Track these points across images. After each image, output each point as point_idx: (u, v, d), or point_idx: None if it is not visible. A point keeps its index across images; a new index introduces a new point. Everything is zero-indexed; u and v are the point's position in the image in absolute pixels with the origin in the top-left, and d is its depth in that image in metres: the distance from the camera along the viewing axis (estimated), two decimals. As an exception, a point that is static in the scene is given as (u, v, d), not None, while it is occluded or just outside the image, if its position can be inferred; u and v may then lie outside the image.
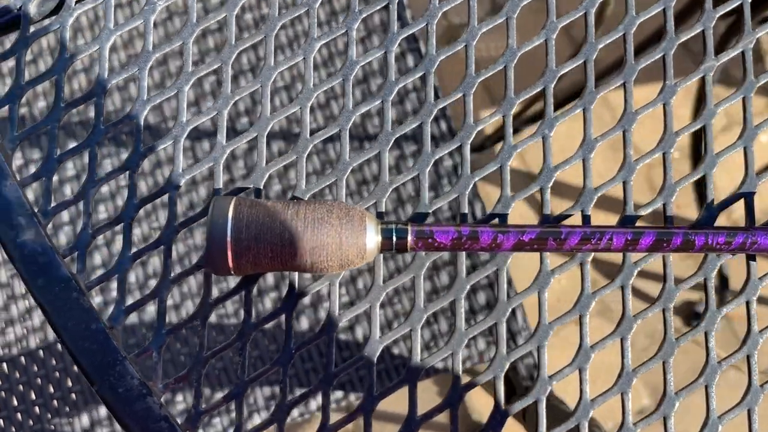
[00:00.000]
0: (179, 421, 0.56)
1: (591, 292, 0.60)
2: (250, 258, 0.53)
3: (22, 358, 0.98)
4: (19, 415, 0.96)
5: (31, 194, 0.92)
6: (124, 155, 0.94)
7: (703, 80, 0.63)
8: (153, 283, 0.93)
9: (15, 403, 0.96)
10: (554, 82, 0.62)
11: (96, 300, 0.88)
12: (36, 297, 0.57)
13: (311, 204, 0.54)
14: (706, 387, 0.60)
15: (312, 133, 0.60)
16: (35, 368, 0.98)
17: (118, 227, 0.58)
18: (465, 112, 0.61)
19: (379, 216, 0.59)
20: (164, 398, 0.57)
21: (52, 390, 0.97)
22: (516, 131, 1.19)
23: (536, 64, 0.64)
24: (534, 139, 0.62)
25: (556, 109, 0.62)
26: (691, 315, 1.52)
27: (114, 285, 0.87)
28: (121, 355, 0.56)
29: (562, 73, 0.63)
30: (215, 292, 0.59)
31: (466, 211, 0.60)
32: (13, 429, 0.97)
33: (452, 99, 0.62)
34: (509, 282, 0.88)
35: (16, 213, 0.57)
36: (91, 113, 0.59)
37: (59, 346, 0.99)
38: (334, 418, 0.57)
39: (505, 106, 0.62)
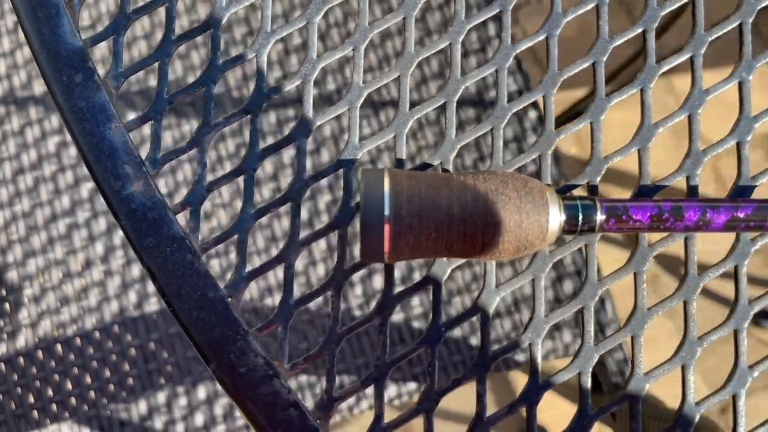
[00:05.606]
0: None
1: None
2: (410, 240, 0.44)
3: (78, 340, 0.93)
4: (73, 400, 0.92)
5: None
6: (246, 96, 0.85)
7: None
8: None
9: (69, 387, 0.92)
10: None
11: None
12: (143, 259, 0.48)
13: (480, 174, 0.45)
14: None
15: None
16: (91, 351, 0.92)
17: (239, 180, 0.50)
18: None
19: None
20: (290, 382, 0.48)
21: (108, 374, 0.92)
22: (579, 114, 1.09)
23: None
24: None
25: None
26: None
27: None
28: (243, 328, 0.48)
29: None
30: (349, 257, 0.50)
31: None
32: (67, 414, 0.92)
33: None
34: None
35: (122, 161, 0.49)
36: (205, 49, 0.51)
37: (116, 327, 0.93)
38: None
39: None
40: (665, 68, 0.51)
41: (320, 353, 0.49)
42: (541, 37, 0.52)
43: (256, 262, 0.85)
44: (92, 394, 0.91)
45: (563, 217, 0.46)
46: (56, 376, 0.91)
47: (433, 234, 0.44)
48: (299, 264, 0.86)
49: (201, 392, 0.91)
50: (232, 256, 0.87)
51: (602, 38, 0.52)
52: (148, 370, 0.92)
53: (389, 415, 0.48)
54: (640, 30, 0.52)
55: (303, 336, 0.87)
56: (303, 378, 0.88)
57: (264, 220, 0.85)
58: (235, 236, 0.49)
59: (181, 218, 0.49)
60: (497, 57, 0.52)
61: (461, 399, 0.53)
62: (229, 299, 0.48)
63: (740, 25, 0.52)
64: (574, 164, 1.36)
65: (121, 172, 0.49)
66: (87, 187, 0.94)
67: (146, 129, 0.50)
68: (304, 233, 0.49)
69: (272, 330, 0.49)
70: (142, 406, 0.91)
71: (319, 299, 0.49)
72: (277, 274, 0.86)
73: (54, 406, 0.91)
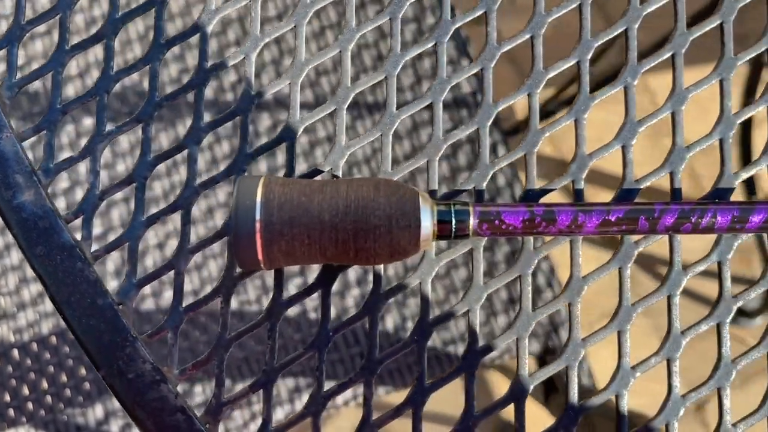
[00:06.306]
0: (198, 413, 0.48)
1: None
2: (283, 246, 0.45)
3: (34, 345, 0.94)
4: (30, 405, 0.92)
5: (29, 150, 0.84)
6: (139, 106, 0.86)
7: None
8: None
9: (26, 392, 0.92)
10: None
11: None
12: (34, 267, 0.49)
13: (353, 181, 0.46)
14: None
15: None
16: (48, 355, 0.93)
17: (130, 188, 0.50)
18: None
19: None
20: (180, 387, 0.49)
21: (65, 379, 0.92)
22: (550, 114, 1.09)
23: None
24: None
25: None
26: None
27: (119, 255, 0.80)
28: (132, 335, 0.48)
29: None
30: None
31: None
32: (24, 419, 0.92)
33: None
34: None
35: (13, 170, 0.50)
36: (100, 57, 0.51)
37: (73, 332, 0.93)
38: (377, 413, 0.49)
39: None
40: (552, 73, 0.51)
41: (209, 359, 0.49)
42: (430, 45, 0.52)
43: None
44: (49, 398, 0.91)
45: (435, 223, 0.46)
46: (13, 381, 0.92)
47: (306, 240, 0.45)
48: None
49: (156, 396, 0.92)
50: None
51: (491, 45, 0.52)
52: (104, 375, 0.93)
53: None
54: (527, 36, 0.52)
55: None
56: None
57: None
58: (126, 244, 0.50)
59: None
60: (387, 64, 0.52)
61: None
62: (119, 306, 0.49)
63: (626, 31, 0.52)
64: (548, 163, 1.36)
65: (11, 182, 0.49)
66: (43, 193, 0.94)
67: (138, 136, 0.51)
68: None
69: (163, 336, 0.49)
70: (98, 411, 0.92)
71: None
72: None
73: (11, 411, 0.91)
